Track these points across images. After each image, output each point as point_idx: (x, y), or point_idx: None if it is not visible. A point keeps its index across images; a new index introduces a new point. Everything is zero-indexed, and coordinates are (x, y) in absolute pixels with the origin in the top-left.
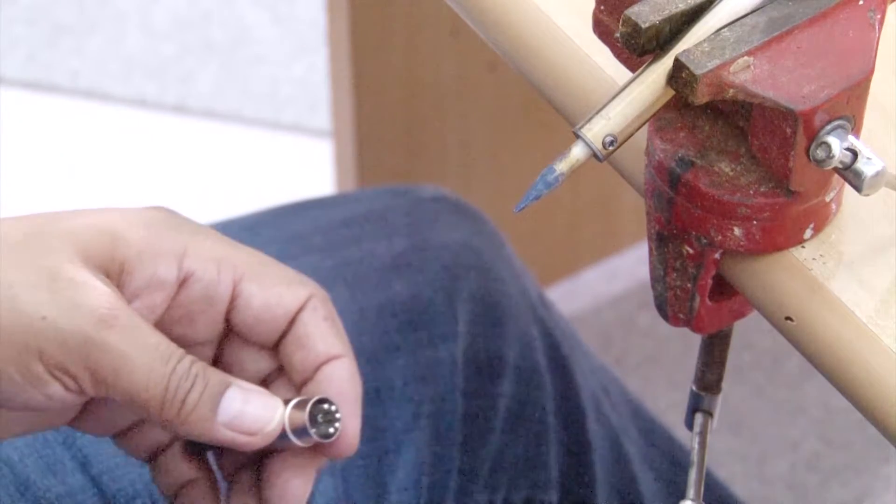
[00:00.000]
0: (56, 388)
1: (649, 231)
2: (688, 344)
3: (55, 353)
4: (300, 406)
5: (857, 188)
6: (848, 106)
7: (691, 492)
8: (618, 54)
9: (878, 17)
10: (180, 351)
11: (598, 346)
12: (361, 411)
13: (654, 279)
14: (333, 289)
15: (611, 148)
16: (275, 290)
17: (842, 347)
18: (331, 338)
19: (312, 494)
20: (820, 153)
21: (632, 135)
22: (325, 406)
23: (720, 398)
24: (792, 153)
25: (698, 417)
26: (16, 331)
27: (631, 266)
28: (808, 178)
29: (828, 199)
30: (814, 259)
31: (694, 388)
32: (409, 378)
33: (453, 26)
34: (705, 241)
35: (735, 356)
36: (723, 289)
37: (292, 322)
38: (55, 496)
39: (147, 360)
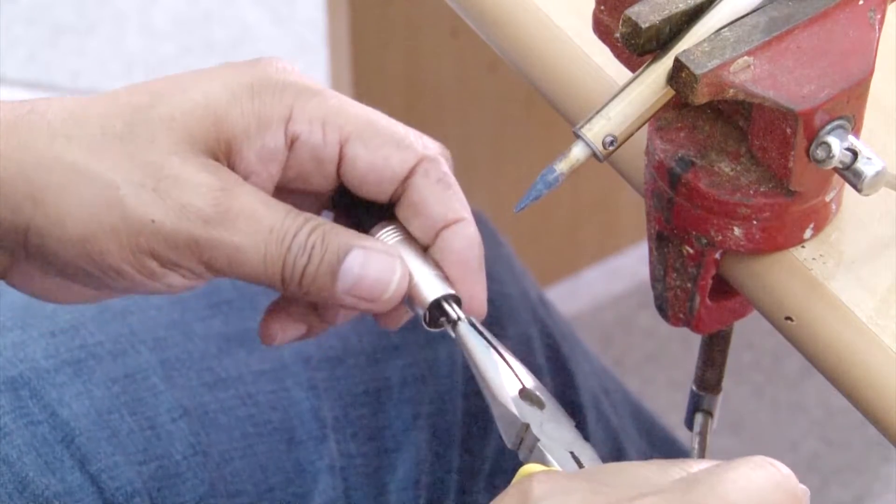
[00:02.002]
0: (174, 278)
1: (649, 231)
2: (688, 344)
3: (167, 253)
4: (426, 283)
5: (857, 188)
6: (848, 106)
7: None
8: (618, 54)
9: (878, 17)
10: (297, 221)
11: (598, 346)
12: (484, 275)
13: (654, 279)
14: None
15: (611, 148)
16: (381, 153)
17: (842, 347)
18: (447, 201)
19: (312, 492)
20: (820, 153)
21: (632, 135)
22: (449, 307)
23: (720, 398)
24: (792, 153)
25: (698, 417)
26: (126, 233)
27: (631, 266)
28: (808, 178)
29: (828, 199)
30: (814, 259)
31: (694, 388)
32: (409, 378)
33: (453, 26)
34: (705, 241)
35: (735, 356)
36: (723, 289)
37: (405, 186)
38: (53, 494)
39: (262, 244)
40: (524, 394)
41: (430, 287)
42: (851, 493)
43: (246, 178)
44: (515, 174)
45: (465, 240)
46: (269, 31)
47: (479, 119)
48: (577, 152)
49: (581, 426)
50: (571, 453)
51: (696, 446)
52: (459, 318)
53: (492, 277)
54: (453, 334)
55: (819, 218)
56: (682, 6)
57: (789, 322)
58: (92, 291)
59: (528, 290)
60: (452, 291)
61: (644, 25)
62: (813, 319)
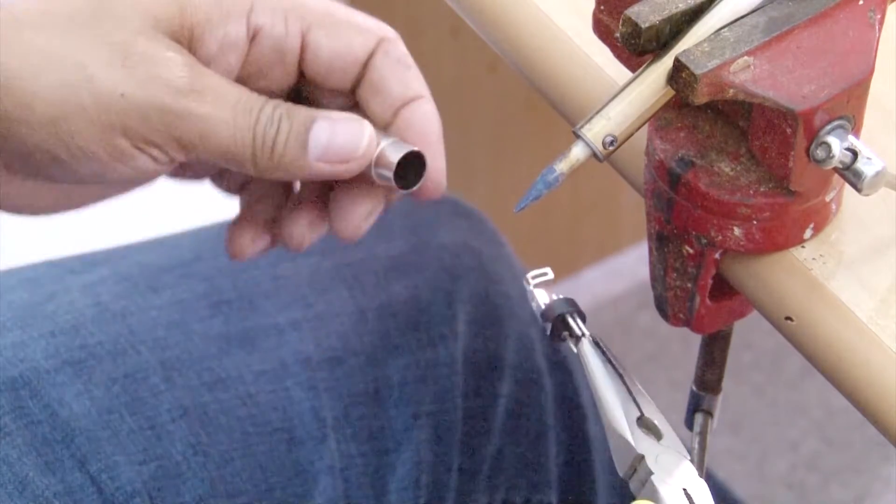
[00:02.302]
0: (143, 160)
1: (649, 231)
2: (688, 344)
3: (138, 128)
4: (390, 148)
5: (857, 188)
6: (848, 106)
7: None
8: (618, 54)
9: (878, 17)
10: (262, 98)
11: None
12: (443, 150)
13: (654, 279)
14: (333, 289)
15: (611, 148)
16: (343, 38)
17: (842, 347)
18: (406, 80)
19: (312, 492)
20: (820, 153)
21: (632, 135)
22: (573, 322)
23: (720, 398)
24: (792, 153)
25: (698, 417)
26: (96, 110)
27: (631, 266)
28: (808, 178)
29: (828, 199)
30: (814, 259)
31: (694, 388)
32: (409, 378)
33: (453, 26)
34: (705, 241)
35: (735, 356)
36: (723, 289)
37: (365, 68)
38: (53, 494)
39: (230, 116)
40: (642, 421)
41: (398, 148)
42: (851, 493)
43: (207, 65)
44: (515, 174)
45: (425, 115)
46: None
47: (479, 119)
48: (577, 152)
49: (580, 427)
50: (685, 490)
51: (696, 446)
52: (583, 335)
53: (492, 277)
54: (575, 349)
55: (819, 218)
56: (682, 6)
57: (789, 322)
58: (61, 192)
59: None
60: (577, 307)
61: (644, 25)
62: (813, 319)
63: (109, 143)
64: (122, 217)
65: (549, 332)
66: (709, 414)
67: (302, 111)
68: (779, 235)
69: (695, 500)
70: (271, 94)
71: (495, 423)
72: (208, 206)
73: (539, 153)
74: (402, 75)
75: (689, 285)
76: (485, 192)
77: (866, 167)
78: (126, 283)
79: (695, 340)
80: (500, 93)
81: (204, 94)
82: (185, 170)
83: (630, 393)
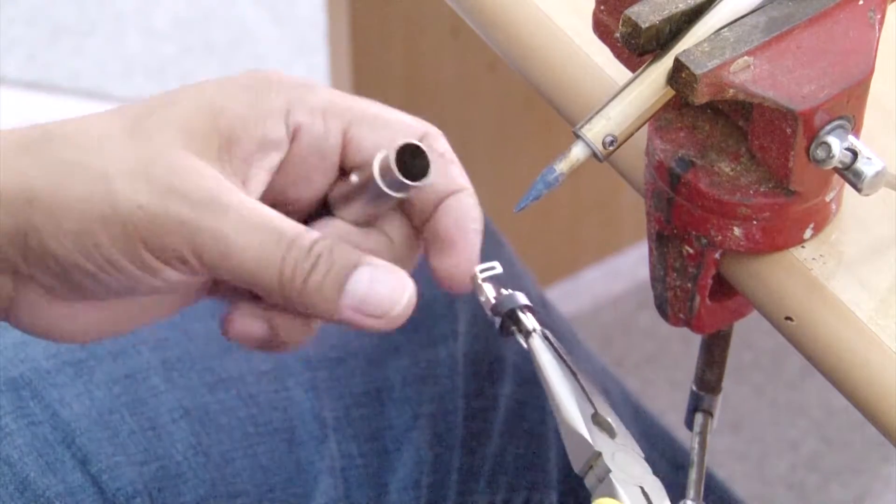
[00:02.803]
0: (170, 273)
1: (649, 231)
2: (688, 344)
3: (157, 241)
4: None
5: (857, 188)
6: (848, 106)
7: (691, 492)
8: (618, 54)
9: (878, 17)
10: (298, 229)
11: (598, 346)
12: (480, 245)
13: (654, 279)
14: None
15: (611, 148)
16: (386, 132)
17: (842, 347)
18: (450, 174)
19: (313, 492)
20: (820, 153)
21: (632, 135)
22: (523, 316)
23: (720, 398)
24: (792, 153)
25: (698, 417)
26: (117, 222)
27: (631, 266)
28: (808, 178)
29: (828, 199)
30: (814, 259)
31: (694, 388)
32: (410, 378)
33: (453, 26)
34: (705, 241)
35: (735, 356)
36: (723, 289)
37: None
38: (54, 495)
39: (254, 241)
40: (596, 419)
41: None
42: (851, 493)
43: (250, 176)
44: (515, 174)
45: (467, 206)
46: (269, 31)
47: (479, 119)
48: (577, 152)
49: None
50: (641, 488)
51: (696, 446)
52: (534, 329)
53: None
54: (526, 345)
55: (819, 218)
56: (682, 6)
57: (789, 322)
58: (107, 314)
59: (528, 291)
60: (527, 302)
61: (644, 25)
62: (813, 319)
63: (134, 256)
64: None
65: (498, 328)
66: (709, 414)
67: (344, 252)
68: (779, 235)
69: (652, 499)
70: (312, 195)
71: (496, 423)
72: None
73: (539, 153)
74: (445, 169)
75: (689, 285)
76: (485, 192)
77: (866, 167)
78: None
79: (695, 340)
80: (500, 93)
81: (226, 212)
82: (223, 289)
83: (583, 390)
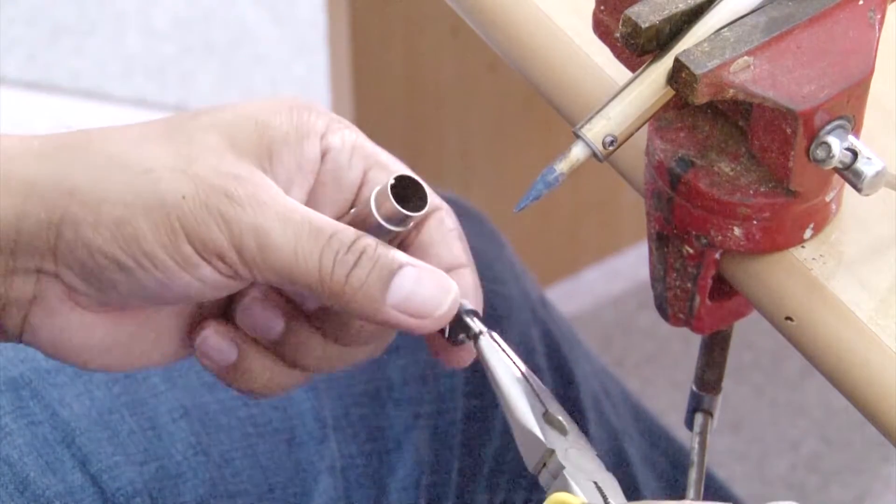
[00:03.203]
0: (208, 271)
1: (649, 231)
2: (688, 344)
3: (200, 234)
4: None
5: (857, 188)
6: (848, 106)
7: (691, 492)
8: (618, 54)
9: (878, 17)
10: (339, 226)
11: (598, 346)
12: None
13: (654, 279)
14: None
15: (611, 148)
16: None
17: (842, 347)
18: (455, 249)
19: (312, 492)
20: (820, 153)
21: (632, 135)
22: (469, 320)
23: (720, 398)
24: (792, 153)
25: (698, 417)
26: (160, 213)
27: (631, 266)
28: (808, 178)
29: (828, 199)
30: (814, 259)
31: (694, 388)
32: (410, 378)
33: (453, 26)
34: (705, 241)
35: (735, 356)
36: (723, 289)
37: (418, 229)
38: (54, 494)
39: (291, 235)
40: (547, 417)
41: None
42: (851, 493)
43: (287, 189)
44: (515, 174)
45: (468, 283)
46: (269, 31)
47: (479, 119)
48: (577, 152)
49: (581, 427)
50: (595, 483)
51: (696, 446)
52: (481, 332)
53: (492, 277)
54: (474, 350)
55: (819, 218)
56: (682, 6)
57: (789, 322)
58: (113, 331)
59: (528, 291)
60: (471, 306)
61: (644, 25)
62: (813, 319)
63: (173, 249)
64: None
65: (447, 335)
66: (709, 414)
67: (389, 251)
68: (779, 235)
69: (606, 494)
70: None
71: (496, 423)
72: None
73: (539, 153)
74: (451, 244)
75: (689, 285)
76: (485, 192)
77: (866, 167)
78: None
79: (695, 340)
80: (500, 92)
81: (266, 208)
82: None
83: (534, 390)
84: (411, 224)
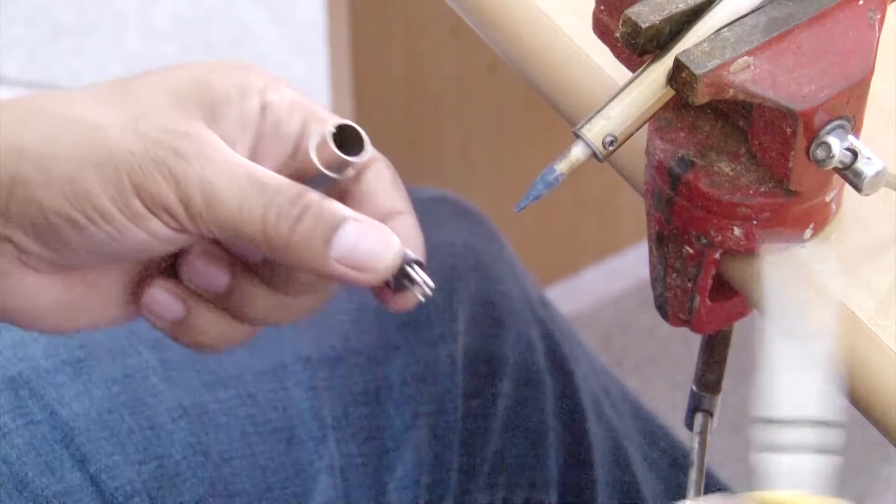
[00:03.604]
0: (156, 224)
1: (649, 231)
2: (688, 344)
3: (149, 188)
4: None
5: (857, 188)
6: (848, 106)
7: (691, 492)
8: (618, 54)
9: (878, 17)
10: (283, 181)
11: (598, 346)
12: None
13: (654, 279)
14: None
15: (611, 148)
16: None
17: (842, 347)
18: (395, 197)
19: (312, 492)
20: (820, 153)
21: (632, 135)
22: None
23: (720, 398)
24: (792, 153)
25: (698, 417)
26: (109, 168)
27: (631, 266)
28: (808, 178)
29: (828, 199)
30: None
31: (694, 388)
32: (409, 378)
33: (453, 26)
34: (705, 241)
35: (735, 356)
36: (723, 289)
37: (357, 180)
38: (53, 494)
39: (236, 189)
40: None
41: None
42: (851, 493)
43: (231, 145)
44: (515, 174)
45: (410, 227)
46: (269, 31)
47: (479, 119)
48: (577, 152)
49: (581, 427)
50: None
51: (696, 446)
52: (425, 283)
53: (493, 277)
54: (419, 297)
55: (819, 218)
56: (682, 6)
57: None
58: (65, 293)
59: (528, 290)
60: (414, 255)
61: (644, 25)
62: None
63: (123, 203)
64: None
65: (391, 285)
66: (709, 414)
67: (332, 206)
68: (779, 235)
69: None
70: None
71: (495, 422)
72: None
73: (539, 153)
74: (392, 193)
75: (689, 285)
76: (485, 192)
77: (866, 167)
78: None
79: (695, 340)
80: (500, 93)
81: (212, 163)
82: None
83: None
84: (351, 172)
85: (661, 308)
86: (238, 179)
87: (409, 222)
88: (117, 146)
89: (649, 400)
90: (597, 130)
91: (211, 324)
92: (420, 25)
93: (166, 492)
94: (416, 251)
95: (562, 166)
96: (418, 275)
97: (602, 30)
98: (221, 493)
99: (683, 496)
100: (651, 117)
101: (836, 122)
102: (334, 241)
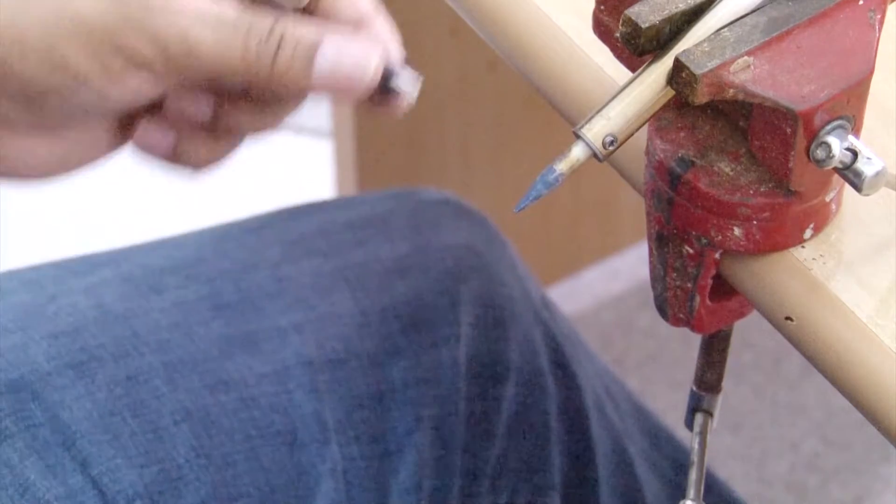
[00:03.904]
0: (137, 81)
1: (649, 231)
2: (688, 344)
3: (125, 43)
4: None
5: (857, 188)
6: (848, 106)
7: (691, 492)
8: (618, 54)
9: (878, 17)
10: (254, 17)
11: (598, 346)
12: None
13: (654, 279)
14: (336, 291)
15: (611, 148)
16: None
17: (842, 347)
18: (362, 2)
19: (314, 495)
20: (820, 153)
21: (632, 135)
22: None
23: (720, 398)
24: (792, 153)
25: (698, 417)
26: (85, 31)
27: (631, 266)
28: (808, 178)
29: (828, 199)
30: (814, 259)
31: (694, 388)
32: (412, 381)
33: (453, 26)
34: (705, 241)
35: (735, 356)
36: (723, 289)
37: None
38: (54, 497)
39: (211, 33)
40: None
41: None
42: (851, 493)
43: None
44: (515, 174)
45: (383, 31)
46: None
47: (479, 119)
48: (577, 152)
49: (584, 429)
50: None
51: (696, 446)
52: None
53: (495, 279)
54: (409, 99)
55: (819, 218)
56: (682, 6)
57: (789, 322)
58: (54, 147)
59: (531, 292)
60: (394, 58)
61: (644, 25)
62: (813, 319)
63: (101, 63)
64: (124, 218)
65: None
66: (709, 414)
67: (309, 30)
68: (779, 235)
69: None
70: None
71: (498, 426)
72: (211, 207)
73: (539, 153)
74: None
75: (689, 285)
76: (485, 192)
77: (866, 167)
78: (128, 284)
79: (695, 340)
80: (499, 92)
81: (183, 13)
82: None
83: None
84: None
85: (661, 308)
86: (210, 23)
87: (381, 25)
88: (88, 10)
89: (649, 400)
90: (597, 130)
91: (200, 146)
92: (420, 25)
93: (168, 495)
94: (394, 51)
95: (562, 166)
96: (401, 82)
97: (602, 30)
98: (224, 497)
99: (684, 497)
100: (651, 117)
101: (836, 122)
102: (315, 63)
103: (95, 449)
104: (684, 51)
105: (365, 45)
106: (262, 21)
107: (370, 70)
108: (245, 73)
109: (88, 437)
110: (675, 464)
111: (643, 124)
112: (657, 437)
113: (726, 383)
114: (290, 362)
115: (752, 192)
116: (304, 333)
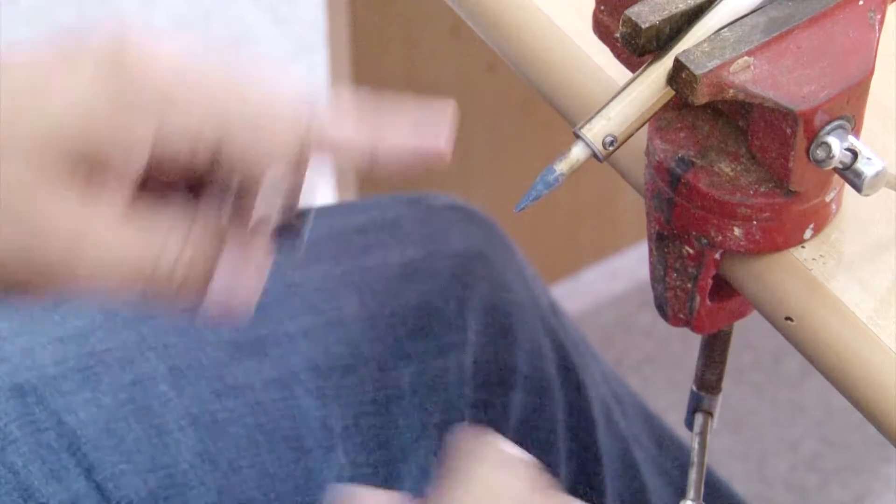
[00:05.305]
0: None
1: (649, 231)
2: (688, 344)
3: (22, 276)
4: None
5: (857, 188)
6: (848, 106)
7: (691, 492)
8: (618, 54)
9: (878, 17)
10: (155, 256)
11: (598, 346)
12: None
13: (654, 279)
14: (343, 297)
15: (611, 148)
16: (262, 142)
17: (842, 347)
18: (353, 131)
19: (320, 501)
20: (820, 153)
21: (632, 135)
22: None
23: (720, 398)
24: (792, 153)
25: (698, 417)
26: None
27: (631, 266)
28: (808, 178)
29: (828, 199)
30: (814, 259)
31: (694, 388)
32: (418, 386)
33: (453, 26)
34: (705, 241)
35: (735, 356)
36: (723, 289)
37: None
38: (59, 502)
39: (117, 278)
40: None
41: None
42: (851, 493)
43: (114, 181)
44: (515, 174)
45: (400, 133)
46: (269, 31)
47: (478, 119)
48: (577, 152)
49: (591, 436)
50: None
51: (696, 446)
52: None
53: (503, 285)
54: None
55: (819, 218)
56: (682, 6)
57: (789, 322)
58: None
59: (538, 299)
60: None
61: (644, 25)
62: (813, 319)
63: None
64: None
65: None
66: (709, 414)
67: (199, 269)
68: (779, 235)
69: None
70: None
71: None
72: None
73: (539, 153)
74: (361, 127)
75: (689, 285)
76: (484, 192)
77: (866, 167)
78: None
79: (695, 340)
80: (499, 93)
81: (85, 256)
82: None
83: None
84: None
85: (661, 308)
86: (115, 267)
87: (396, 132)
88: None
89: (649, 400)
90: (597, 130)
91: None
92: (420, 25)
93: (173, 501)
94: (421, 137)
95: (562, 166)
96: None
97: (602, 30)
98: (229, 502)
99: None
100: (651, 117)
101: (836, 123)
102: (207, 298)
103: (100, 454)
104: (684, 51)
105: (249, 279)
106: (162, 267)
107: (251, 304)
108: (142, 288)
109: (93, 443)
110: (682, 468)
111: (643, 124)
112: (664, 441)
113: (726, 383)
114: (297, 368)
115: (752, 192)
116: (312, 339)
